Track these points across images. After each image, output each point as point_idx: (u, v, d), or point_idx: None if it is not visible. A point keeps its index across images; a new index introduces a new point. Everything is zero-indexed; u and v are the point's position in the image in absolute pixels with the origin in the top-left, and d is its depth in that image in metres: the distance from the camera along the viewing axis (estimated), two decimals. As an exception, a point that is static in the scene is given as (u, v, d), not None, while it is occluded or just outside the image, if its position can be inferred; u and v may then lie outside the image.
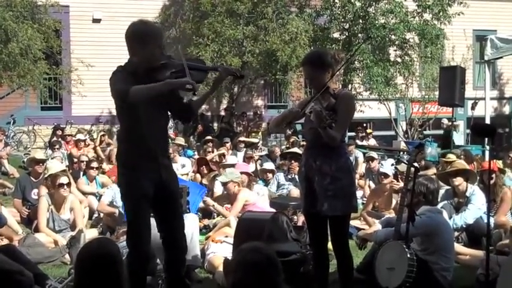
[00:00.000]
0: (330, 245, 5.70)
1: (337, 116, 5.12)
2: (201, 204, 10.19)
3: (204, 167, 12.34)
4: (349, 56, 20.04)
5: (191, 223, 7.21)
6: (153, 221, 6.38)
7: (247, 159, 14.06)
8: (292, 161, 11.97)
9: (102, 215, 9.80)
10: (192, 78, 4.85)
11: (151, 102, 4.85)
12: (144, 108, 4.89)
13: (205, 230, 9.02)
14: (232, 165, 11.17)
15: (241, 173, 9.94)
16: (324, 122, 4.91)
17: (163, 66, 4.98)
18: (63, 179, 8.79)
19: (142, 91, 4.74)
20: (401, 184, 8.64)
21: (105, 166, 13.91)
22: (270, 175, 12.22)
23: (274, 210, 9.05)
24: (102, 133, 18.33)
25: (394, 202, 9.48)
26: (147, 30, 5.00)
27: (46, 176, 9.38)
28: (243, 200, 9.14)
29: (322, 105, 5.11)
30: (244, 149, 16.20)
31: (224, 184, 9.51)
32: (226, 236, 7.86)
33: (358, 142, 19.86)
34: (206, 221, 9.57)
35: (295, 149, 13.62)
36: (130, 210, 5.12)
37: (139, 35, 4.97)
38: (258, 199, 9.46)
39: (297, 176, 11.53)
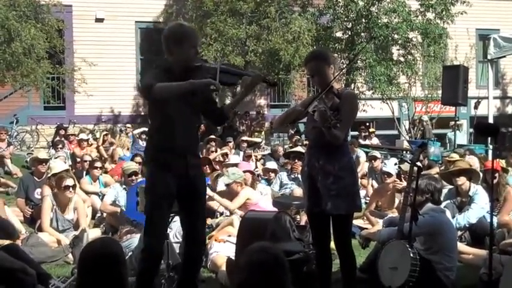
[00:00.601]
0: (332, 245, 5.70)
1: (340, 115, 5.12)
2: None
3: (207, 166, 12.29)
4: (352, 55, 20.21)
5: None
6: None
7: (247, 157, 14.07)
8: (296, 160, 11.96)
9: (105, 214, 9.80)
10: (222, 80, 5.02)
11: (184, 102, 4.99)
12: (176, 107, 5.01)
13: (208, 229, 9.01)
14: (235, 165, 11.17)
15: (245, 171, 9.94)
16: (329, 121, 4.90)
17: (197, 68, 5.14)
18: (69, 181, 8.80)
19: (166, 88, 4.88)
20: (405, 183, 8.64)
21: (108, 165, 13.93)
22: (272, 174, 12.21)
23: (276, 210, 9.10)
24: (104, 132, 18.34)
25: (397, 201, 9.47)
26: (182, 31, 5.15)
27: (49, 175, 9.39)
28: (245, 196, 9.14)
29: (326, 104, 5.10)
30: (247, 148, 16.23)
31: (227, 185, 9.50)
32: (229, 236, 7.86)
33: (361, 141, 19.87)
34: (209, 220, 9.55)
35: (299, 148, 13.61)
36: (150, 206, 5.18)
37: (176, 36, 5.12)
38: (260, 198, 9.45)
39: (300, 176, 11.57)
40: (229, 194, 9.50)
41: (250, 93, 5.70)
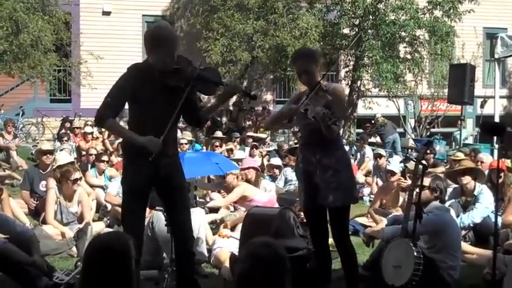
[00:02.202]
0: (331, 241, 5.71)
1: (333, 109, 5.13)
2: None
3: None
4: (359, 52, 20.18)
5: (198, 217, 7.23)
6: (160, 215, 6.43)
7: (252, 149, 14.14)
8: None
9: (109, 207, 9.81)
10: (197, 88, 5.25)
11: (161, 100, 5.04)
12: (152, 103, 5.07)
13: (212, 226, 9.01)
14: (240, 160, 11.18)
15: (249, 167, 9.94)
16: (328, 121, 4.92)
17: (176, 70, 5.13)
18: (77, 174, 8.82)
19: (113, 129, 5.31)
20: (409, 182, 8.63)
21: (114, 159, 13.95)
22: (277, 171, 12.22)
23: (271, 200, 9.14)
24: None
25: (401, 200, 9.47)
26: (160, 35, 5.16)
27: (54, 167, 9.42)
28: (238, 194, 9.13)
29: (320, 104, 5.13)
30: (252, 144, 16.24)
31: (223, 177, 9.54)
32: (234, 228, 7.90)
33: (367, 138, 19.83)
34: (213, 216, 9.56)
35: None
36: (123, 201, 5.41)
37: (153, 38, 5.16)
38: (256, 193, 9.41)
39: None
40: (226, 188, 9.52)
41: (225, 102, 5.78)
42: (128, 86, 5.12)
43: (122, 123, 5.46)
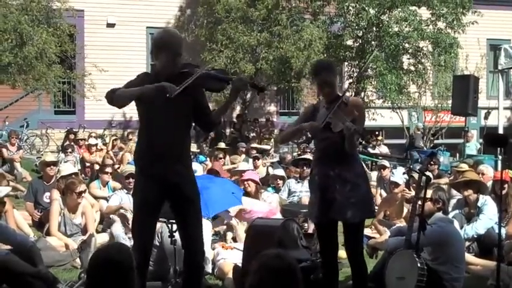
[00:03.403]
0: (341, 253, 5.71)
1: (355, 124, 5.14)
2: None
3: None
4: (362, 63, 20.22)
5: (203, 229, 7.22)
6: (165, 227, 6.42)
7: (254, 160, 14.17)
8: (304, 168, 11.96)
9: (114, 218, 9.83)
10: (206, 86, 5.28)
11: (168, 105, 5.00)
12: (159, 110, 5.05)
13: (216, 237, 8.98)
14: (243, 171, 11.17)
15: (248, 179, 9.89)
16: (358, 137, 4.96)
17: (182, 74, 5.14)
18: (82, 187, 8.82)
19: (125, 95, 5.08)
20: (413, 193, 8.63)
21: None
22: (280, 182, 12.21)
23: (272, 210, 9.10)
24: (114, 137, 18.39)
25: (405, 211, 9.45)
26: (164, 38, 5.24)
27: (58, 177, 9.43)
28: (238, 206, 9.02)
29: (346, 118, 5.11)
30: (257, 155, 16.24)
31: None
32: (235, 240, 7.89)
33: (370, 150, 19.85)
34: (217, 228, 9.54)
35: (308, 156, 13.62)
36: (134, 213, 5.38)
37: (158, 42, 5.26)
38: (254, 203, 9.34)
39: (306, 181, 11.56)
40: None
41: (235, 99, 5.75)
42: (137, 83, 5.15)
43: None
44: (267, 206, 9.44)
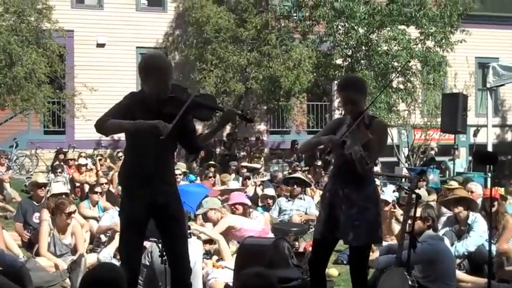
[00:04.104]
0: (331, 272, 5.70)
1: (371, 144, 5.08)
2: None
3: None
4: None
5: (194, 248, 7.20)
6: (155, 246, 6.41)
7: (244, 180, 14.16)
8: (295, 186, 11.97)
9: (103, 239, 9.77)
10: (194, 114, 5.25)
11: (149, 134, 4.98)
12: (142, 135, 5.04)
13: (207, 256, 8.95)
14: (233, 190, 11.15)
15: (236, 203, 9.86)
16: (364, 164, 4.88)
17: (170, 99, 5.15)
18: (72, 208, 8.80)
19: (115, 127, 5.05)
20: (400, 211, 8.67)
21: (112, 188, 13.96)
22: (270, 201, 12.21)
23: (265, 230, 9.08)
24: (99, 157, 18.34)
25: (397, 229, 9.45)
26: (153, 63, 5.19)
27: (48, 196, 9.41)
28: (225, 223, 8.99)
29: (360, 140, 5.02)
30: (247, 174, 16.22)
31: (204, 214, 9.45)
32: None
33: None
34: (207, 247, 9.52)
35: (298, 174, 13.64)
36: (121, 233, 5.37)
37: (146, 67, 5.20)
38: (244, 221, 9.33)
39: (296, 199, 11.59)
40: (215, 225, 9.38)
41: (223, 127, 5.74)
42: (126, 106, 5.15)
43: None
44: (259, 225, 9.42)
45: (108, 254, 8.69)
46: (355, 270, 5.48)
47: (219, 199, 10.84)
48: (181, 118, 5.05)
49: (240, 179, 15.57)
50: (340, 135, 5.19)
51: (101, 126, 5.02)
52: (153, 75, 5.12)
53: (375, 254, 8.17)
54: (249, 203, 10.37)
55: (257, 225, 9.48)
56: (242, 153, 21.89)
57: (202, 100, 5.33)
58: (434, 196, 11.99)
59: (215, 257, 8.25)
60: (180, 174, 14.14)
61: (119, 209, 5.59)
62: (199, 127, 20.35)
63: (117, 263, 7.33)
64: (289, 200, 11.90)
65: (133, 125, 5.00)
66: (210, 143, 22.87)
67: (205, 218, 9.69)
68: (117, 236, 8.80)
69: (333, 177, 5.57)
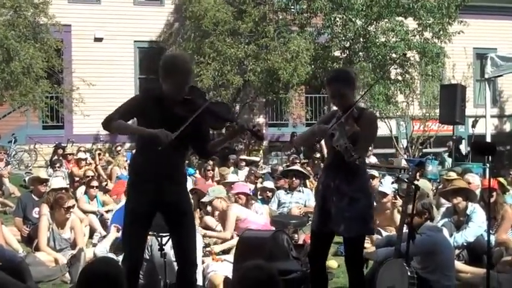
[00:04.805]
0: (330, 263, 5.70)
1: (360, 137, 5.11)
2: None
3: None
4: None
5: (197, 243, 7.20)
6: (155, 240, 6.41)
7: (249, 177, 14.10)
8: (293, 178, 11.98)
9: (103, 233, 9.79)
10: (207, 122, 5.20)
11: (169, 128, 4.97)
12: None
13: (205, 248, 8.95)
14: (232, 183, 11.16)
15: (239, 193, 9.91)
16: (349, 157, 4.88)
17: (186, 100, 5.14)
18: (71, 202, 8.81)
19: (121, 128, 5.14)
20: (400, 202, 8.67)
21: (110, 184, 13.96)
22: (269, 194, 12.20)
23: (268, 225, 9.08)
24: (98, 152, 18.34)
25: (399, 220, 9.46)
26: (173, 63, 5.18)
27: (48, 190, 9.42)
28: (234, 215, 9.06)
29: (347, 132, 5.04)
30: (246, 167, 16.19)
31: (209, 203, 9.44)
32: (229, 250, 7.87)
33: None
34: (206, 239, 9.53)
35: (296, 167, 13.63)
36: (124, 224, 5.36)
37: (167, 66, 5.18)
38: (249, 213, 9.38)
39: (295, 192, 11.60)
40: (220, 217, 9.39)
41: (232, 139, 5.70)
42: (137, 105, 5.18)
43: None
44: (262, 219, 9.43)
45: (104, 248, 8.70)
46: (349, 262, 5.49)
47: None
48: (194, 122, 5.02)
49: (239, 172, 15.57)
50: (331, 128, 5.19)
51: (108, 124, 5.07)
52: (172, 75, 5.09)
53: (372, 248, 8.19)
54: (251, 195, 10.43)
55: (261, 218, 9.50)
56: (241, 146, 21.88)
57: (216, 108, 5.29)
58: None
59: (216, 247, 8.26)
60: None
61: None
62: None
63: (113, 257, 7.36)
64: (288, 193, 11.89)
65: (136, 130, 5.11)
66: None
67: (211, 207, 9.68)
68: (113, 229, 8.86)
69: (326, 169, 5.60)
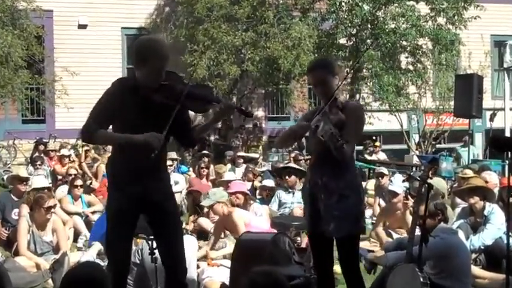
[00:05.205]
0: (336, 268, 5.70)
1: (346, 129, 5.14)
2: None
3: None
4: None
5: (189, 246, 7.20)
6: (145, 244, 6.43)
7: (247, 175, 14.09)
8: (287, 177, 12.00)
9: (88, 235, 9.80)
10: (187, 106, 5.15)
11: (145, 125, 4.98)
12: (135, 127, 5.01)
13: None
14: (229, 182, 11.16)
15: (236, 192, 9.89)
16: (335, 142, 4.90)
17: (163, 87, 5.09)
18: (51, 202, 8.79)
19: (105, 138, 5.21)
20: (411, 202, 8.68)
21: (95, 183, 13.94)
22: (270, 193, 12.21)
23: (273, 229, 9.03)
24: (86, 148, 18.33)
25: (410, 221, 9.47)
26: (148, 48, 5.10)
27: (29, 190, 9.41)
28: (241, 219, 9.00)
29: (331, 120, 5.09)
30: (244, 164, 16.17)
31: (210, 207, 9.38)
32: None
33: (367, 157, 19.88)
34: (202, 243, 9.54)
35: (290, 164, 13.65)
36: (107, 228, 5.32)
37: (141, 51, 5.11)
38: (252, 217, 9.36)
39: (295, 191, 11.61)
40: (219, 224, 9.34)
41: (218, 121, 5.70)
42: (112, 101, 5.09)
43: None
44: (266, 224, 9.37)
45: (91, 256, 8.67)
46: (344, 265, 5.49)
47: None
48: (174, 108, 4.99)
49: (237, 169, 15.55)
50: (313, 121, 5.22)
51: (89, 138, 5.13)
52: (150, 61, 5.02)
53: (382, 252, 8.20)
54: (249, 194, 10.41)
55: (264, 223, 9.43)
56: (238, 142, 21.88)
57: (198, 91, 5.27)
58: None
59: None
60: (170, 165, 14.07)
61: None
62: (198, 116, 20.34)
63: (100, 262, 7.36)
64: (289, 192, 11.88)
65: (122, 139, 5.07)
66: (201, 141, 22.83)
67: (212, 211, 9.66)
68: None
69: (312, 167, 5.63)
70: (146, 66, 5.04)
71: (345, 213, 5.26)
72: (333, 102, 5.29)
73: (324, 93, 5.40)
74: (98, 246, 8.86)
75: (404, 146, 23.70)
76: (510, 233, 5.78)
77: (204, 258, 8.34)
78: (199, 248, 8.91)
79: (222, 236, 9.31)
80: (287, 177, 12.02)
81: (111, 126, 5.17)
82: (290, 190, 11.90)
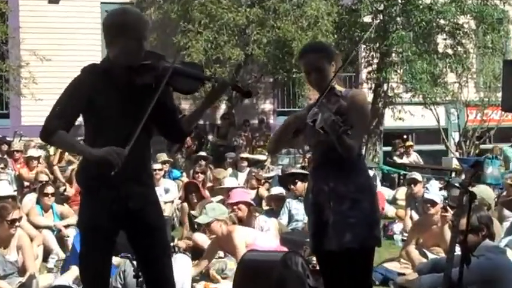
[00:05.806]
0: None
1: (349, 121, 5.03)
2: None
3: (193, 194, 12.26)
4: (385, 46, 20.25)
5: (182, 266, 7.22)
6: (129, 264, 6.45)
7: (253, 182, 14.12)
8: (292, 185, 12.02)
9: (61, 255, 9.82)
10: (174, 86, 5.10)
11: (121, 117, 4.95)
12: (110, 119, 4.98)
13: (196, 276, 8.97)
14: (230, 190, 11.17)
15: (238, 202, 9.87)
16: (338, 129, 4.86)
17: (142, 67, 5.04)
18: (16, 214, 8.77)
19: (64, 143, 5.11)
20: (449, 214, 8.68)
21: (70, 190, 13.93)
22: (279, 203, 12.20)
23: (283, 247, 9.03)
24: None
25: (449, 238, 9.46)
26: (124, 20, 5.05)
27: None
28: (242, 241, 8.94)
29: (330, 110, 5.06)
30: (248, 168, 16.14)
31: (207, 226, 9.35)
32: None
33: (397, 159, 19.87)
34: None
35: (294, 170, 13.66)
36: (81, 245, 5.29)
37: (114, 25, 5.06)
38: (257, 235, 9.33)
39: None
40: (215, 243, 9.33)
41: (213, 103, 5.59)
42: (82, 91, 5.02)
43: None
44: (274, 242, 9.33)
45: (65, 281, 8.68)
46: (353, 283, 5.38)
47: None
48: (157, 91, 4.93)
49: (240, 174, 15.54)
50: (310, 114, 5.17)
51: (46, 137, 4.98)
52: (121, 36, 4.97)
53: (414, 274, 8.20)
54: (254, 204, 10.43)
55: (273, 241, 9.40)
56: (241, 141, 21.87)
57: (185, 68, 5.24)
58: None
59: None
60: (160, 170, 14.07)
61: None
62: (185, 106, 20.34)
63: None
64: (300, 201, 11.76)
65: (78, 150, 5.15)
66: (200, 127, 22.85)
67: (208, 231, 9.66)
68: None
69: (314, 172, 5.59)
70: (120, 42, 4.99)
71: (360, 221, 5.22)
72: (330, 92, 5.24)
73: (318, 81, 5.37)
74: (75, 271, 8.85)
75: (442, 147, 23.71)
76: None
77: (201, 279, 8.37)
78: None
79: (222, 255, 9.32)
80: (292, 185, 12.01)
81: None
82: (300, 198, 11.81)
